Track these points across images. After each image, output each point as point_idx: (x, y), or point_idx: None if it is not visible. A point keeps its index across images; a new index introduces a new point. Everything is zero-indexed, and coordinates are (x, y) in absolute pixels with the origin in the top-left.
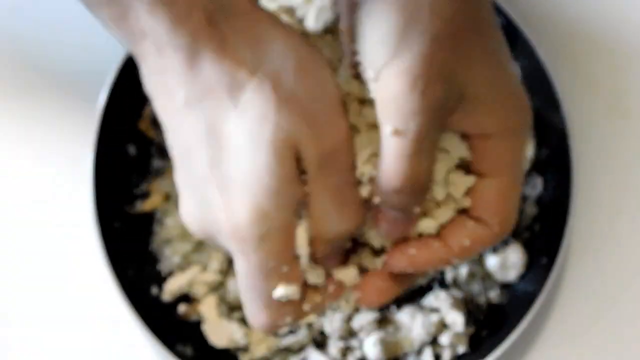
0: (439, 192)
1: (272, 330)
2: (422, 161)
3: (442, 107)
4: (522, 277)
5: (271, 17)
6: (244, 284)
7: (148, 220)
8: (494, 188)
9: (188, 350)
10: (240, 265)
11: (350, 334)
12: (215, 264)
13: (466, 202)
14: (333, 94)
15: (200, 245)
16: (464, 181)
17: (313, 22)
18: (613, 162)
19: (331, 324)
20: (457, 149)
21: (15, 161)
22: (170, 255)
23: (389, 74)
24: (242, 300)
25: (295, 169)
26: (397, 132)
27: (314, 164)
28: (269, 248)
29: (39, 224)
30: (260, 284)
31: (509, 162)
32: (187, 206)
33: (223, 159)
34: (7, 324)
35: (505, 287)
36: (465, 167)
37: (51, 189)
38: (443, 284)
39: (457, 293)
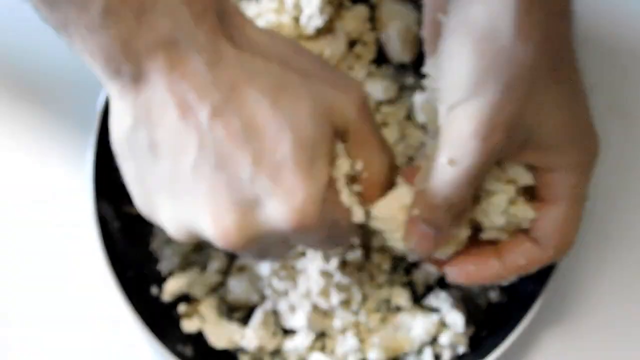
0: (499, 219)
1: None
2: (466, 190)
3: (501, 151)
4: (522, 277)
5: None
6: (331, 235)
7: (148, 220)
8: (555, 215)
9: (188, 350)
10: (308, 240)
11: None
12: (215, 264)
13: (525, 224)
14: (333, 65)
15: (201, 246)
16: (525, 213)
17: (305, 27)
18: (613, 162)
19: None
20: (522, 178)
21: (15, 161)
22: (170, 255)
23: (456, 115)
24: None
25: (331, 132)
26: (451, 162)
27: (352, 117)
28: (331, 211)
29: (39, 224)
30: (336, 235)
31: (572, 194)
32: (222, 221)
33: (265, 152)
34: (7, 324)
35: (505, 287)
36: (528, 191)
37: (51, 189)
38: (443, 284)
39: (457, 293)
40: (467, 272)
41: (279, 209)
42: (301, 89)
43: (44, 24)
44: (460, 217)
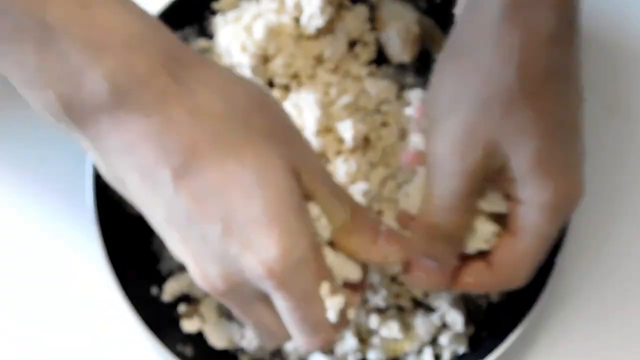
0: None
1: (329, 345)
2: (458, 215)
3: (482, 171)
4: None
5: (228, 69)
6: (293, 318)
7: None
8: (513, 247)
9: (188, 350)
10: (282, 301)
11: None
12: None
13: (484, 246)
14: (292, 122)
15: None
16: (488, 229)
17: (305, 27)
18: (613, 162)
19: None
20: (495, 205)
21: (15, 161)
22: (170, 255)
23: (436, 134)
24: (292, 334)
25: (299, 190)
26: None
27: (316, 173)
28: (309, 271)
29: (39, 224)
30: (309, 311)
31: (535, 232)
32: (204, 270)
33: (236, 212)
34: (7, 324)
35: None
36: (502, 218)
37: (51, 189)
38: None
39: (457, 293)
40: (418, 277)
41: (252, 264)
42: (264, 148)
43: None
44: (459, 244)
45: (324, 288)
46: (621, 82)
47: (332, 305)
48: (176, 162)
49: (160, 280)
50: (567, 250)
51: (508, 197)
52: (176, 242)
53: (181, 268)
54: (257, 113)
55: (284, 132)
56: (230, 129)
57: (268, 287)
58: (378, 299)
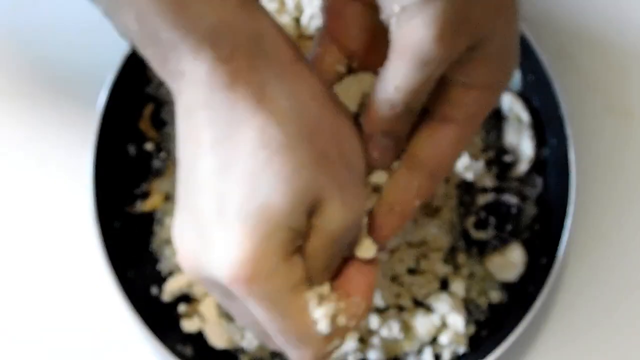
0: None
1: (328, 356)
2: (421, 94)
3: (457, 59)
4: (522, 277)
5: (312, 72)
6: (272, 330)
7: (148, 220)
8: (450, 136)
9: (188, 350)
10: (256, 312)
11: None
12: None
13: None
14: (361, 165)
15: None
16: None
17: (305, 28)
18: (613, 162)
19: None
20: None
21: (16, 161)
22: (170, 255)
23: (414, 16)
24: (283, 348)
25: (304, 223)
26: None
27: (333, 228)
28: (279, 281)
29: (39, 224)
30: (287, 323)
31: (478, 115)
32: (185, 245)
33: (235, 201)
34: (7, 324)
35: (505, 287)
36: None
37: (51, 189)
38: (444, 286)
39: (457, 293)
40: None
41: (220, 258)
42: (301, 168)
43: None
44: (413, 115)
45: (308, 298)
46: (621, 82)
47: (320, 316)
48: (220, 133)
49: (160, 280)
50: (567, 250)
51: (444, 81)
52: (177, 207)
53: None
54: (317, 132)
55: (339, 168)
56: (279, 139)
57: (236, 293)
58: (378, 299)
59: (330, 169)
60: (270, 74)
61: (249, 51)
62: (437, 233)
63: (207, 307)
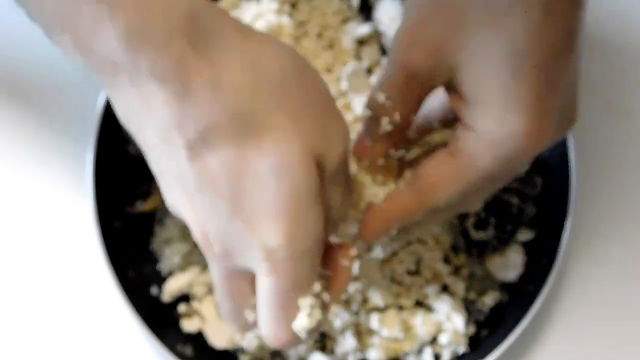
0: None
1: (295, 345)
2: (397, 103)
3: (426, 75)
4: (522, 277)
5: (259, 33)
6: (271, 302)
7: (148, 220)
8: (443, 165)
9: (188, 350)
10: (268, 284)
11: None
12: None
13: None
14: (331, 99)
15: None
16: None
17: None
18: (613, 162)
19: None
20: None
21: (15, 161)
22: (170, 255)
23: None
24: (262, 321)
25: (319, 181)
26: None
27: (333, 168)
28: (307, 264)
29: (39, 224)
30: (291, 302)
31: (473, 162)
32: (204, 229)
33: (246, 196)
34: (7, 324)
35: (505, 287)
36: None
37: (51, 189)
38: (444, 286)
39: (458, 293)
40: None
41: (255, 247)
42: (289, 134)
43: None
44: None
45: (316, 287)
46: (621, 82)
47: (305, 307)
48: (191, 135)
49: (160, 280)
50: (567, 250)
51: (457, 117)
52: (181, 199)
53: (181, 268)
54: (289, 87)
55: (318, 110)
56: (253, 108)
57: (262, 268)
58: (378, 299)
59: (313, 120)
60: (219, 48)
61: (187, 32)
62: (437, 233)
63: (207, 307)
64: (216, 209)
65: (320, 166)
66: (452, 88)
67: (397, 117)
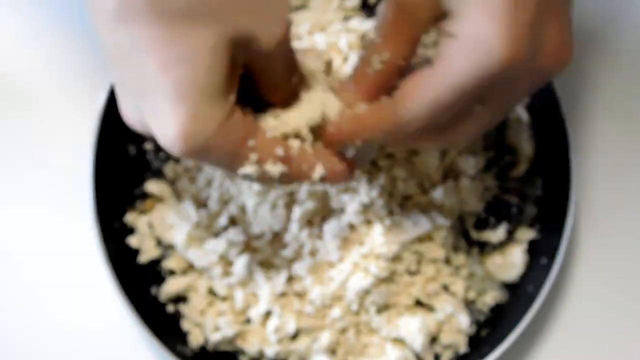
0: None
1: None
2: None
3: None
4: (523, 277)
5: None
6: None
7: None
8: (422, 76)
9: (188, 350)
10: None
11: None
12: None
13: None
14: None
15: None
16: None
17: None
18: (613, 162)
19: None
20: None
21: (16, 162)
22: (170, 255)
23: None
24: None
25: (228, 70)
26: None
27: (270, 48)
28: (216, 155)
29: (39, 224)
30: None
31: (450, 68)
32: (122, 103)
33: (150, 78)
34: (7, 324)
35: (505, 287)
36: None
37: (51, 190)
38: (444, 286)
39: (458, 293)
40: (357, 117)
41: (157, 132)
42: (209, 19)
43: (48, 20)
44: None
45: (248, 169)
46: (621, 82)
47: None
48: (109, 5)
49: (160, 280)
50: (567, 250)
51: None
52: (112, 67)
53: (181, 268)
54: None
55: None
56: None
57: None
58: (378, 297)
59: (239, 9)
60: None
61: None
62: (437, 233)
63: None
64: (127, 84)
65: (252, 47)
66: (444, 29)
67: (386, 55)
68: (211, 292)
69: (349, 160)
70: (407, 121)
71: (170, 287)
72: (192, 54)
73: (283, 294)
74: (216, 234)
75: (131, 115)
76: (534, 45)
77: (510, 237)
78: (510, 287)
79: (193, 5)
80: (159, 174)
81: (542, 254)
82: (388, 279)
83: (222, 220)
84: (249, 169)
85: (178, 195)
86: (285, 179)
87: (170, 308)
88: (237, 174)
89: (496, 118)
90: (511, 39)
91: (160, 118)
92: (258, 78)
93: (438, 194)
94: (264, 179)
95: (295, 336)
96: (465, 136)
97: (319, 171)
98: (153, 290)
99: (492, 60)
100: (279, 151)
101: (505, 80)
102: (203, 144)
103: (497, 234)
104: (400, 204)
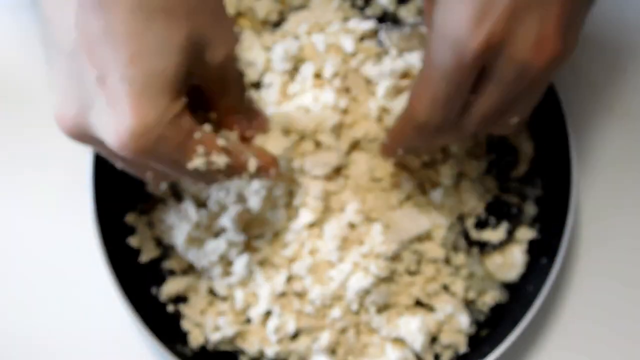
0: None
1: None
2: None
3: None
4: (523, 277)
5: None
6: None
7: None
8: (419, 77)
9: (188, 350)
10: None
11: None
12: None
13: None
14: (222, 4)
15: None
16: None
17: None
18: (613, 162)
19: None
20: None
21: (16, 162)
22: (170, 255)
23: None
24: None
25: (193, 70)
26: None
27: (217, 61)
28: (167, 149)
29: (39, 224)
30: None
31: (434, 63)
32: (65, 107)
33: (114, 71)
34: (7, 324)
35: (505, 287)
36: None
37: (51, 189)
38: (444, 286)
39: (458, 293)
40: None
41: (108, 127)
42: (181, 17)
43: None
44: None
45: (197, 162)
46: (621, 82)
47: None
48: None
49: (160, 280)
50: (567, 250)
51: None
52: (55, 65)
53: (181, 268)
54: None
55: (212, 6)
56: None
57: (127, 157)
58: (378, 297)
59: (205, 14)
60: None
61: None
62: (437, 233)
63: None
64: (84, 76)
65: (206, 55)
66: None
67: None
68: (211, 292)
69: (273, 155)
70: (423, 122)
71: (170, 287)
72: (163, 48)
73: (283, 294)
74: (216, 234)
75: (70, 114)
76: (507, 34)
77: (510, 237)
78: (510, 287)
79: (169, 2)
80: None
81: (542, 254)
82: (388, 278)
83: (223, 220)
84: (197, 161)
85: (178, 195)
86: (229, 170)
87: (170, 308)
88: (187, 169)
89: (496, 107)
90: (481, 19)
91: (118, 109)
92: (210, 94)
93: (438, 194)
94: (211, 174)
95: (295, 336)
96: (473, 126)
97: (253, 162)
98: (153, 290)
99: (460, 47)
100: (221, 141)
101: (483, 68)
102: (160, 132)
103: (497, 234)
104: (400, 203)
